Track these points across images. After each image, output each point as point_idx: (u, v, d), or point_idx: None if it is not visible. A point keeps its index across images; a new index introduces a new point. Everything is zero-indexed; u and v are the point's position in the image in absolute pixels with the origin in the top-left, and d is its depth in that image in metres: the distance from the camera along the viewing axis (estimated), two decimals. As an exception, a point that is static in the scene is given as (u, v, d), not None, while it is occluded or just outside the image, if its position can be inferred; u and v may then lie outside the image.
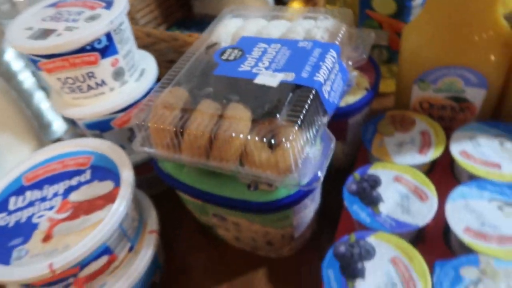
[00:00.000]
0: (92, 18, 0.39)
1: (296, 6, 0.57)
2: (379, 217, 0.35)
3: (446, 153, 0.40)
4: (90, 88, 0.41)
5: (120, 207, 0.34)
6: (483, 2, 0.37)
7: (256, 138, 0.31)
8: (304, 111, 0.31)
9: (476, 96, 0.41)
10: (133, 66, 0.45)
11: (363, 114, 0.44)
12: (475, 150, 0.39)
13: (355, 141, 0.46)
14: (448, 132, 0.41)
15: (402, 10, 0.48)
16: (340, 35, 0.38)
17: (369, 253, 0.33)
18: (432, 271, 0.31)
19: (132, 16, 0.74)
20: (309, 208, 0.38)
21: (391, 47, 0.52)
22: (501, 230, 0.32)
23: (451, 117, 0.43)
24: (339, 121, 0.42)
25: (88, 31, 0.37)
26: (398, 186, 0.37)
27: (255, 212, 0.35)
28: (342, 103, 0.41)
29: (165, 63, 0.59)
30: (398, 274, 0.31)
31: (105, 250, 0.34)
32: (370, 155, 0.43)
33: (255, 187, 0.35)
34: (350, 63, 0.38)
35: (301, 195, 0.34)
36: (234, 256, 0.44)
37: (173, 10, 0.83)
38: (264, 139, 0.31)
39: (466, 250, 0.32)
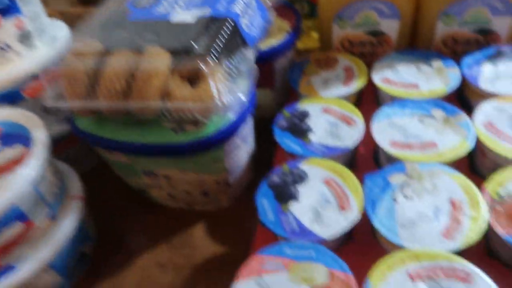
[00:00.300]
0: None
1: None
2: (310, 146, 0.35)
3: (371, 85, 0.41)
4: (-8, 52, 0.38)
5: (29, 166, 0.31)
6: None
7: (178, 76, 0.30)
8: (220, 41, 0.30)
9: (390, 27, 0.42)
10: (43, 31, 0.42)
11: (288, 58, 0.44)
12: (395, 76, 0.40)
13: (284, 89, 0.46)
14: (370, 66, 0.42)
15: (315, -40, 0.49)
16: (253, -28, 0.38)
17: (301, 178, 0.33)
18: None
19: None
20: (241, 150, 0.38)
21: (311, 0, 0.53)
22: (422, 138, 0.33)
23: (371, 52, 0.45)
24: (265, 65, 0.42)
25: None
26: (327, 116, 0.38)
27: (185, 154, 0.34)
28: (266, 46, 0.41)
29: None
30: (331, 192, 0.31)
31: (18, 215, 0.31)
32: (299, 95, 0.43)
33: (182, 129, 0.34)
34: (268, 1, 0.39)
35: (229, 130, 0.33)
36: (171, 216, 0.43)
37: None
38: (185, 76, 0.30)
39: (394, 162, 0.33)
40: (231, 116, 0.34)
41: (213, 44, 0.30)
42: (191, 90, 0.31)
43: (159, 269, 0.39)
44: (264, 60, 0.42)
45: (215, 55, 0.30)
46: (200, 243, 0.40)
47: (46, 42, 0.42)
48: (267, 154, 0.41)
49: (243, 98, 0.30)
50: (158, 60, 0.31)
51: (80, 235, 0.37)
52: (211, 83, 0.30)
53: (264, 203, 0.32)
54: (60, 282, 0.36)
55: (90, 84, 0.32)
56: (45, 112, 0.43)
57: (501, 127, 0.33)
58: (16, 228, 0.31)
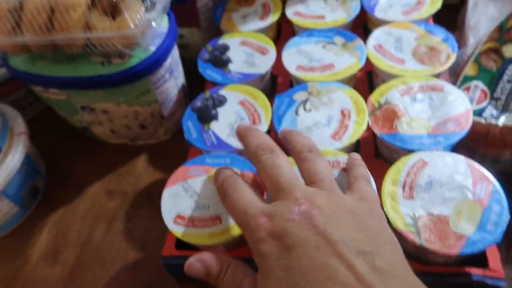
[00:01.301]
0: None
1: None
2: (229, 74, 0.40)
3: (285, 18, 0.45)
4: None
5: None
6: None
7: (99, 11, 0.33)
8: (133, -28, 0.33)
9: (302, -36, 0.46)
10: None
11: (210, -3, 0.47)
12: (305, 9, 0.44)
13: (211, 27, 0.50)
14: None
15: None
16: None
17: (221, 102, 0.37)
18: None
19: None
20: (170, 83, 0.41)
21: None
22: (323, 61, 0.39)
23: (287, -11, 0.49)
24: (188, 4, 0.45)
25: None
26: (244, 48, 0.42)
27: (114, 85, 0.37)
28: (186, -16, 0.44)
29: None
30: (245, 111, 0.36)
31: (-37, 146, 0.34)
32: (222, 32, 0.47)
33: (109, 62, 0.37)
34: None
35: (153, 61, 0.37)
36: (115, 151, 0.47)
37: None
38: (106, 11, 0.33)
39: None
40: (153, 49, 0.37)
41: (130, -21, 0.33)
42: (111, 22, 0.34)
43: (107, 196, 0.43)
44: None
45: (131, -10, 0.33)
46: (143, 171, 0.45)
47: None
48: (200, 90, 0.45)
49: (159, 28, 0.34)
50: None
51: (30, 169, 0.41)
52: (127, 14, 0.33)
53: (189, 125, 0.36)
54: (16, 211, 0.40)
55: (15, 21, 0.34)
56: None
57: (388, 48, 0.38)
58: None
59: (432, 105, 0.32)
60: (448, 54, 0.36)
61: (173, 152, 0.45)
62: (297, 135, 0.29)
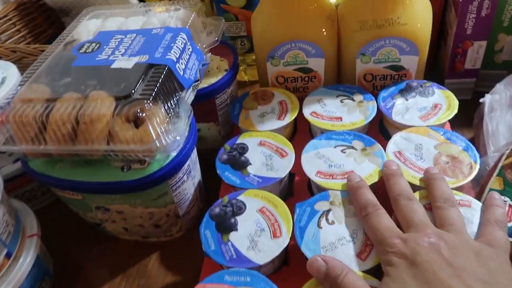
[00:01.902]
0: None
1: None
2: (248, 178, 0.39)
3: (302, 116, 0.46)
4: None
5: (-14, 209, 0.33)
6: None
7: (122, 118, 0.33)
8: (157, 86, 0.34)
9: (317, 65, 0.48)
10: (-9, 73, 0.44)
11: (228, 94, 0.48)
12: (322, 109, 0.45)
13: (227, 121, 0.50)
14: (303, 99, 0.47)
15: (251, 1, 0.54)
16: (190, 21, 0.41)
17: (240, 209, 0.37)
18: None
19: (-5, 39, 0.71)
20: (187, 183, 0.41)
21: (250, 36, 0.57)
22: (344, 167, 0.38)
23: (303, 87, 0.50)
24: (207, 101, 0.46)
25: None
26: (263, 149, 0.42)
27: (132, 190, 0.37)
28: (206, 84, 0.45)
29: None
30: (265, 220, 0.35)
31: (-26, 257, 0.33)
32: (240, 129, 0.47)
33: (128, 168, 0.37)
34: (204, 46, 0.43)
35: (172, 167, 0.37)
36: (126, 248, 0.45)
37: (44, 28, 0.80)
38: (130, 118, 0.33)
39: (322, 190, 0.38)
40: (173, 154, 0.37)
41: (150, 89, 0.34)
42: (134, 132, 0.34)
43: (115, 299, 0.41)
44: (206, 97, 0.45)
45: (151, 99, 0.33)
46: (154, 273, 0.43)
47: (-5, 85, 0.44)
48: (216, 184, 0.45)
49: (180, 138, 0.34)
50: (102, 105, 0.34)
51: (38, 272, 0.39)
52: (149, 126, 0.33)
53: (207, 234, 0.35)
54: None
55: (39, 129, 0.35)
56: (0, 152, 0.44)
57: (408, 156, 0.38)
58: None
59: (461, 224, 0.32)
60: (470, 164, 0.36)
61: (186, 250, 0.44)
62: (440, 182, 0.34)
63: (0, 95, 0.43)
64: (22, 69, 0.49)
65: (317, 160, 0.39)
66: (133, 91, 0.33)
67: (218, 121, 0.49)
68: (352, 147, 0.40)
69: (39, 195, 0.50)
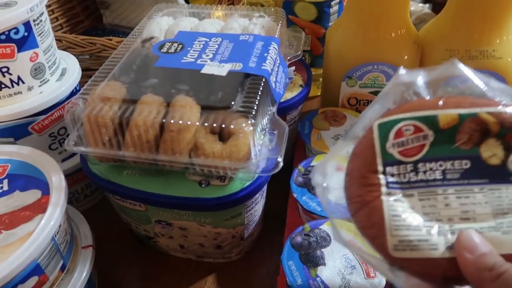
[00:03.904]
0: (8, 4, 0.34)
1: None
2: (329, 205, 0.36)
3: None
4: (3, 86, 0.35)
5: (53, 216, 0.30)
6: (396, 5, 0.41)
7: (206, 129, 0.30)
8: (257, 100, 0.31)
9: (396, 90, 0.45)
10: (55, 63, 0.40)
11: (298, 111, 0.45)
12: (401, 138, 0.42)
13: (291, 139, 0.47)
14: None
15: (322, 15, 0.51)
16: (278, 31, 0.39)
17: (325, 240, 0.33)
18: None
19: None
20: (259, 204, 0.38)
21: (313, 51, 0.55)
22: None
23: (376, 111, 0.47)
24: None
25: (2, 18, 0.32)
26: (342, 175, 0.39)
27: (209, 209, 0.34)
28: (282, 99, 0.42)
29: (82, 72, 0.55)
30: (355, 257, 0.32)
31: (35, 269, 0.29)
32: (308, 149, 0.44)
33: (207, 183, 0.33)
34: (288, 58, 0.40)
35: (255, 187, 0.34)
36: (178, 267, 0.41)
37: (81, 19, 0.77)
38: (215, 129, 0.30)
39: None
40: (258, 173, 0.34)
41: (251, 102, 0.31)
42: (222, 146, 0.30)
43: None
44: (279, 113, 0.42)
45: (253, 114, 0.30)
46: (208, 297, 0.39)
47: (57, 75, 0.40)
48: (272, 201, 0.42)
49: (280, 159, 0.31)
50: (190, 113, 0.30)
51: (88, 286, 0.35)
52: (247, 142, 0.30)
53: (291, 266, 0.32)
54: None
55: (115, 132, 0.31)
56: (50, 149, 0.40)
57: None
58: (30, 284, 0.29)
59: None
60: None
61: (244, 276, 0.40)
62: None
63: (63, 88, 0.39)
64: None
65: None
66: (232, 103, 0.30)
67: (284, 138, 0.46)
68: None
69: (81, 198, 0.46)
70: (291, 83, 0.44)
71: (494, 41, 0.41)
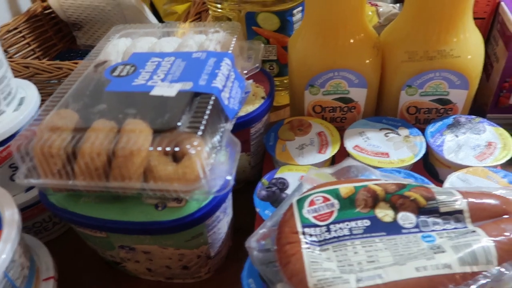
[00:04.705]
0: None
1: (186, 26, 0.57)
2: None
3: (343, 149, 0.42)
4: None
5: (4, 251, 0.29)
6: (352, 10, 0.41)
7: (159, 151, 0.30)
8: (205, 118, 0.30)
9: (359, 95, 0.45)
10: (10, 94, 0.40)
11: (263, 123, 0.45)
12: (365, 143, 0.42)
13: (259, 151, 0.47)
14: (341, 130, 0.44)
15: (285, 24, 0.51)
16: (232, 45, 0.38)
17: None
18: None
19: (4, 50, 0.67)
20: (222, 222, 0.37)
21: (280, 60, 0.55)
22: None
23: (341, 117, 0.47)
24: (242, 131, 0.43)
25: None
26: (308, 186, 0.38)
27: (168, 232, 0.33)
28: (242, 112, 0.42)
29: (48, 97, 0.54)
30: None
31: (-13, 307, 0.29)
32: (275, 161, 0.44)
33: (164, 206, 0.33)
34: (244, 72, 0.39)
35: (213, 206, 0.33)
36: (148, 290, 0.41)
37: (54, 42, 0.77)
38: (167, 151, 0.30)
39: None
40: (214, 192, 0.33)
41: (197, 121, 0.30)
42: (175, 167, 0.30)
43: None
44: (241, 126, 0.42)
45: (201, 134, 0.30)
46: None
47: (14, 106, 0.40)
48: (243, 218, 0.41)
49: (230, 177, 0.30)
50: (140, 136, 0.30)
51: (49, 320, 0.35)
52: (197, 162, 0.29)
53: (251, 284, 0.31)
54: None
55: (67, 161, 0.31)
56: (11, 180, 0.40)
57: (467, 199, 0.35)
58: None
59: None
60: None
61: (216, 294, 0.40)
62: None
63: (20, 117, 0.39)
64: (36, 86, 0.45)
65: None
66: (179, 123, 0.30)
67: (250, 151, 0.46)
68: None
69: (50, 227, 0.45)
70: (253, 95, 0.44)
71: (451, 41, 0.40)
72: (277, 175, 0.40)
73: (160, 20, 0.78)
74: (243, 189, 0.44)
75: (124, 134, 0.30)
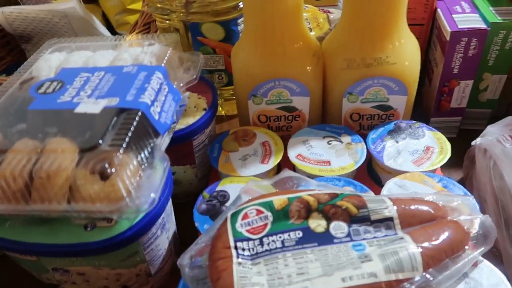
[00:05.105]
0: None
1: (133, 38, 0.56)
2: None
3: (287, 158, 0.42)
4: None
5: None
6: (289, 19, 0.41)
7: (85, 170, 0.29)
8: (129, 134, 0.30)
9: (302, 104, 0.45)
10: None
11: (207, 135, 0.44)
12: (308, 152, 0.42)
13: (205, 163, 0.46)
14: (287, 139, 0.44)
15: (230, 34, 0.51)
16: (166, 58, 0.38)
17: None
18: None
19: None
20: (161, 238, 0.36)
21: (228, 70, 0.54)
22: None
23: (287, 126, 0.47)
24: (184, 143, 0.42)
25: None
26: (246, 198, 0.38)
27: (98, 252, 0.32)
28: (182, 125, 0.41)
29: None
30: None
31: None
32: (220, 173, 0.43)
33: (93, 226, 0.32)
34: (181, 84, 0.39)
35: (145, 224, 0.32)
36: (90, 311, 0.39)
37: (2, 55, 0.74)
38: (94, 170, 0.29)
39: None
40: (145, 209, 0.32)
41: (121, 138, 0.30)
42: (100, 186, 0.29)
43: None
44: (183, 139, 0.41)
45: (122, 151, 0.29)
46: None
47: None
48: (191, 232, 0.40)
49: (154, 195, 0.29)
50: (62, 156, 0.29)
51: None
52: (119, 182, 0.28)
53: (187, 300, 0.31)
54: None
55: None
56: None
57: (403, 205, 0.36)
58: None
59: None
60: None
61: (159, 313, 0.39)
62: None
63: None
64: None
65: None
66: (100, 141, 0.29)
67: (195, 163, 0.45)
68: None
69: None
70: (195, 107, 0.43)
71: (386, 48, 0.41)
72: (219, 188, 0.39)
73: (112, 31, 0.76)
74: (191, 202, 0.44)
75: (44, 154, 0.29)
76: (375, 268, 0.27)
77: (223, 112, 0.60)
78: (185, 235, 0.41)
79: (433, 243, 0.29)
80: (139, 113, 0.31)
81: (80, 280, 0.36)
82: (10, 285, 0.41)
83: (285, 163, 0.43)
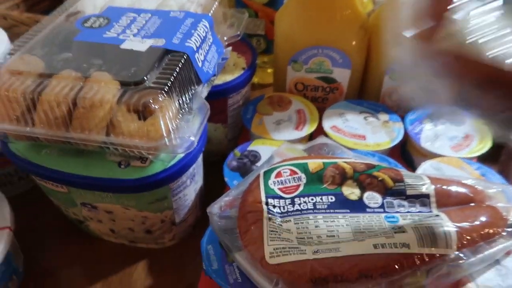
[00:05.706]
0: None
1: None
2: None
3: (321, 129, 0.42)
4: None
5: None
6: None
7: (124, 107, 0.29)
8: (173, 76, 0.29)
9: (342, 76, 0.44)
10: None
11: (242, 95, 0.44)
12: (343, 125, 0.41)
13: (237, 124, 0.46)
14: (321, 111, 0.43)
15: (275, -1, 0.50)
16: (213, 9, 0.37)
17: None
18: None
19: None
20: (189, 189, 0.36)
21: (268, 36, 0.53)
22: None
23: (323, 98, 0.46)
24: (219, 100, 0.42)
25: None
26: (278, 159, 0.38)
27: (129, 191, 0.32)
28: (220, 81, 0.41)
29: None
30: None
31: None
32: (251, 134, 0.43)
33: (127, 164, 0.32)
34: (225, 38, 0.38)
35: (178, 170, 0.32)
36: (110, 252, 0.40)
37: (40, -1, 0.74)
38: (133, 108, 0.29)
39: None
40: (180, 155, 0.32)
41: (165, 77, 0.29)
42: (139, 124, 0.29)
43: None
44: (218, 95, 0.41)
45: (166, 90, 0.29)
46: (139, 285, 0.38)
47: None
48: (216, 190, 0.40)
49: (193, 138, 0.29)
50: (105, 89, 0.29)
51: (6, 270, 0.34)
52: (160, 120, 0.28)
53: (210, 251, 0.31)
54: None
55: (27, 107, 0.30)
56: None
57: (437, 187, 0.35)
58: None
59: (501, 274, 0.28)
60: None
61: (177, 263, 0.39)
62: None
63: (-14, 63, 0.37)
64: (12, 39, 0.44)
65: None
66: (145, 78, 0.29)
67: (227, 122, 0.45)
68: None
69: (15, 181, 0.44)
70: (233, 65, 0.43)
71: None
72: (250, 148, 0.39)
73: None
74: (218, 162, 0.43)
75: (88, 84, 0.29)
76: (409, 240, 0.27)
77: (256, 79, 0.59)
78: (210, 193, 0.41)
79: (470, 223, 0.28)
80: (185, 56, 0.31)
81: (107, 218, 0.37)
82: (34, 220, 0.42)
83: (318, 134, 0.43)
